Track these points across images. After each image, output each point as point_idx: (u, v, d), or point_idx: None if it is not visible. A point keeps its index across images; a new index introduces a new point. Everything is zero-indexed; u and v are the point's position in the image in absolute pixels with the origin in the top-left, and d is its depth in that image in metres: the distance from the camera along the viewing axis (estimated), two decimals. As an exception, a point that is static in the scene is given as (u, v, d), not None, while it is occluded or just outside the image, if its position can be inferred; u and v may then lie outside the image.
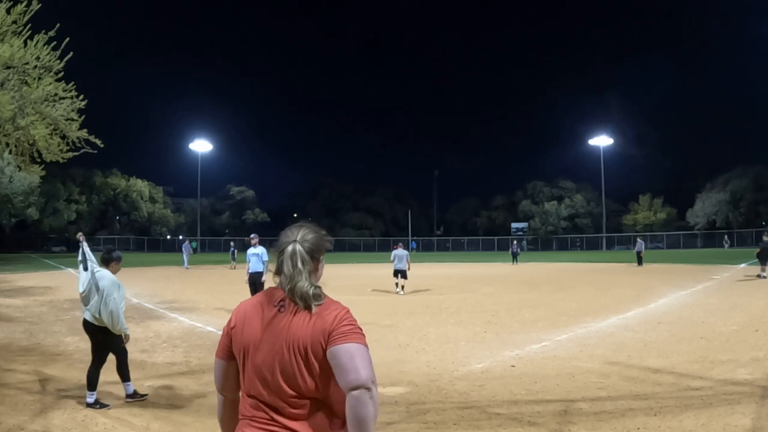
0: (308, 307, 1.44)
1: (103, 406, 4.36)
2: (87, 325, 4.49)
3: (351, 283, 17.38)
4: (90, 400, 4.36)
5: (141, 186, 62.11)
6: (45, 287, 15.31)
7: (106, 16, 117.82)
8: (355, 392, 1.32)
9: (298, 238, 1.55)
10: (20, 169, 20.99)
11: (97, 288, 4.39)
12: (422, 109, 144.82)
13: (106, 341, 4.46)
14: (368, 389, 1.33)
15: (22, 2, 11.03)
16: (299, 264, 1.50)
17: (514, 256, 31.03)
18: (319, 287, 1.51)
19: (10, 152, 12.49)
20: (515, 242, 33.67)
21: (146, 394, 4.68)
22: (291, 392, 1.39)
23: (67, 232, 55.50)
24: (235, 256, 27.39)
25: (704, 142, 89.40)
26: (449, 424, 3.94)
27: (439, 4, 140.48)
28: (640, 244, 25.68)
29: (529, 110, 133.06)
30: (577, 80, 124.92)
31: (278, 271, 1.53)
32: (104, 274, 4.49)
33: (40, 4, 11.18)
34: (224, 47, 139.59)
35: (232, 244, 30.40)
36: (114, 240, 60.51)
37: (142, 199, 61.82)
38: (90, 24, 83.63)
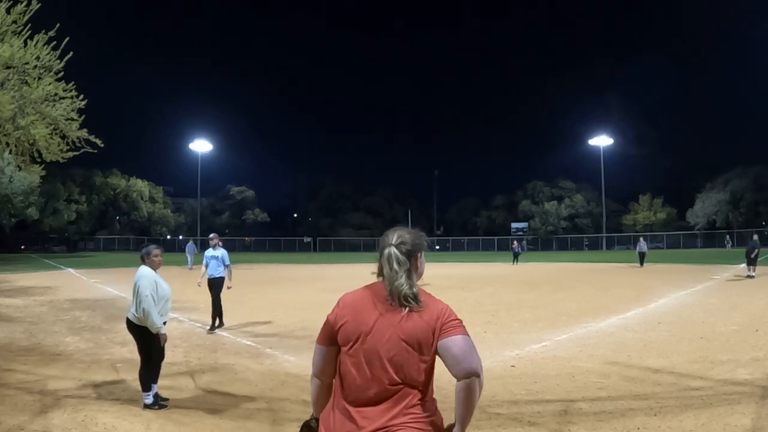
0: (408, 306, 1.59)
1: (161, 406, 4.33)
2: (129, 324, 4.48)
3: (352, 282, 17.32)
4: (148, 401, 4.32)
5: (141, 186, 62.11)
6: (45, 287, 15.32)
7: (106, 15, 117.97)
8: (468, 379, 1.54)
9: (394, 241, 1.71)
10: (20, 169, 20.97)
11: (137, 287, 4.38)
12: (422, 109, 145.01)
13: (148, 340, 4.39)
14: (478, 376, 1.55)
15: (21, 2, 11.03)
16: (395, 265, 1.66)
17: (515, 256, 30.97)
18: (416, 287, 1.65)
19: (10, 152, 12.49)
20: (516, 242, 33.61)
21: (168, 399, 4.57)
22: (396, 379, 1.56)
23: (66, 232, 55.53)
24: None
25: (704, 142, 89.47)
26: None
27: (439, 3, 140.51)
28: (643, 244, 25.36)
29: (529, 110, 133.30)
30: (577, 80, 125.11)
31: (380, 273, 1.71)
32: (142, 271, 4.48)
33: (40, 4, 11.18)
34: (224, 47, 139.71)
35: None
36: (114, 240, 60.63)
37: (142, 199, 61.81)
38: (90, 24, 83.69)
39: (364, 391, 1.57)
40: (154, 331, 4.33)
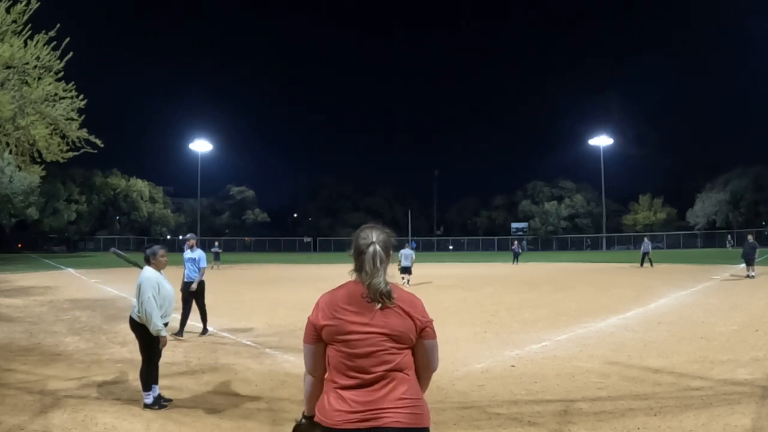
0: (382, 302, 1.70)
1: (162, 406, 4.32)
2: (132, 323, 4.50)
3: (351, 283, 17.40)
4: (148, 401, 4.33)
5: (141, 186, 62.12)
6: (45, 287, 15.32)
7: (106, 15, 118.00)
8: (432, 375, 1.86)
9: (376, 239, 1.80)
10: (20, 169, 21.00)
11: (138, 287, 4.42)
12: (422, 109, 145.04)
13: (150, 340, 4.40)
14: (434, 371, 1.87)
15: (21, 1, 11.02)
16: (378, 263, 1.76)
17: (515, 256, 30.88)
18: (390, 284, 1.75)
19: (11, 152, 12.48)
20: (516, 242, 33.58)
21: (171, 399, 4.57)
22: (381, 370, 1.68)
23: (66, 232, 55.52)
24: (218, 257, 27.31)
25: (704, 142, 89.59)
26: (449, 424, 3.93)
27: (439, 3, 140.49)
28: (647, 244, 24.44)
29: (529, 110, 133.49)
30: (577, 80, 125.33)
31: (359, 269, 1.78)
32: (146, 273, 4.51)
33: (39, 3, 11.17)
34: (224, 47, 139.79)
35: (216, 243, 30.05)
36: (114, 240, 60.55)
37: (142, 199, 61.83)
38: (90, 24, 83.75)
39: (353, 381, 1.69)
40: (154, 333, 4.34)
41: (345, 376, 1.70)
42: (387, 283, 1.73)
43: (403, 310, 1.72)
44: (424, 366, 1.79)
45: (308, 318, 1.79)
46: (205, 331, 7.84)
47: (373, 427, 1.63)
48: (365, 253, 1.77)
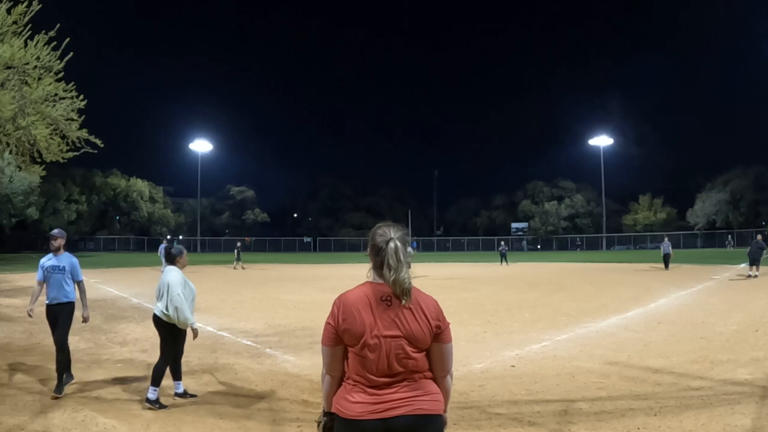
0: (406, 299, 1.73)
1: (162, 406, 4.35)
2: (155, 320, 4.59)
3: (352, 283, 17.24)
4: (151, 396, 4.37)
5: (141, 186, 62.11)
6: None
7: (107, 16, 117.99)
8: (447, 376, 1.83)
9: (395, 234, 1.80)
10: (20, 169, 21.01)
11: (167, 285, 4.49)
12: (423, 109, 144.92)
13: (171, 338, 4.54)
14: (451, 373, 1.87)
15: (22, 2, 11.04)
16: (402, 257, 1.76)
17: (503, 256, 30.69)
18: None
19: (11, 152, 12.48)
20: (503, 243, 33.55)
21: (195, 395, 4.72)
22: (400, 369, 1.71)
23: (66, 232, 55.52)
24: (240, 256, 27.29)
25: (704, 142, 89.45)
26: (449, 424, 3.92)
27: (439, 4, 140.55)
28: (667, 244, 22.48)
29: (528, 110, 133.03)
30: (577, 80, 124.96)
31: (380, 267, 1.77)
32: (171, 272, 4.61)
33: (41, 5, 11.19)
34: (224, 47, 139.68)
35: (238, 244, 29.90)
36: (114, 240, 60.60)
37: (142, 199, 61.82)
38: (90, 24, 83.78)
39: (373, 380, 1.72)
40: (186, 327, 4.49)
41: (364, 377, 1.72)
42: (410, 280, 1.75)
43: (422, 312, 1.74)
44: (438, 367, 1.79)
45: (327, 321, 1.80)
46: (60, 386, 4.76)
47: (393, 416, 1.67)
48: (385, 249, 1.77)
